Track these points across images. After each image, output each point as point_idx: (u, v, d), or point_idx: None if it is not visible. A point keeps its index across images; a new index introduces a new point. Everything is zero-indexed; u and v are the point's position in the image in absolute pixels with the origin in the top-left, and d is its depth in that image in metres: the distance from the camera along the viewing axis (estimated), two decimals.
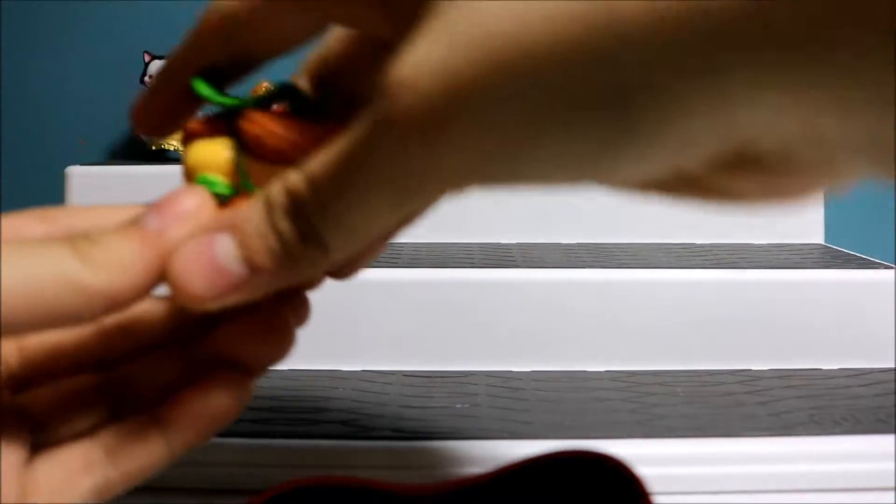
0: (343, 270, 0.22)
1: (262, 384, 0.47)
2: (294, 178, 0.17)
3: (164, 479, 0.34)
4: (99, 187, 0.63)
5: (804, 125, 0.14)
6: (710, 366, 0.45)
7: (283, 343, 0.21)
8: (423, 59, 0.15)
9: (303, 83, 0.23)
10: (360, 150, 0.16)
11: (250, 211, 0.18)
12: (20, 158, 0.79)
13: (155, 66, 0.68)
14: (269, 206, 0.17)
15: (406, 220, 0.20)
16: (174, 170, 0.71)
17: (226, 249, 0.17)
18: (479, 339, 0.45)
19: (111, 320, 0.22)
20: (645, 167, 0.16)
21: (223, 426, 0.21)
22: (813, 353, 0.45)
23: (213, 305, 0.18)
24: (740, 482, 0.34)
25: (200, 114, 0.22)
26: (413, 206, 0.17)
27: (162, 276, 0.18)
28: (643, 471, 0.25)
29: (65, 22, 0.78)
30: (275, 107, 0.22)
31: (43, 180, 0.78)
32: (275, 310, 0.21)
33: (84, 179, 0.63)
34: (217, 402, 0.20)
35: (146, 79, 0.68)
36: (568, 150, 0.15)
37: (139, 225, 0.18)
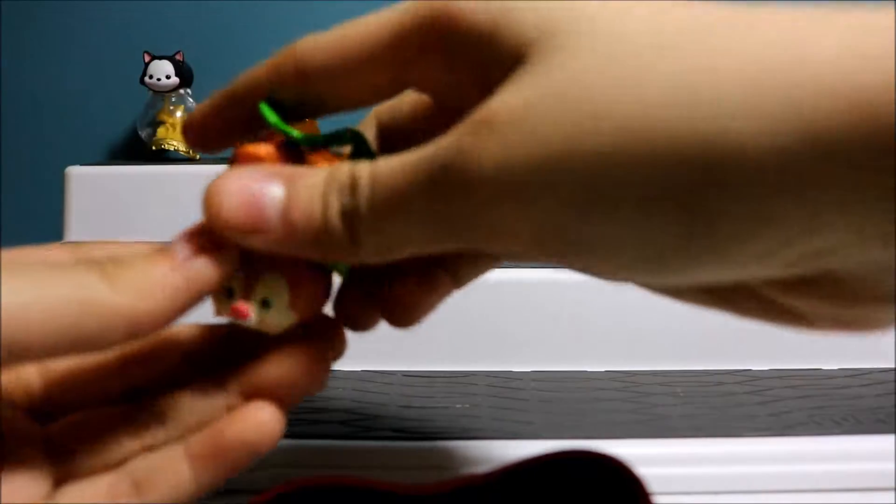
0: (405, 318, 0.23)
1: None
2: (363, 168, 0.17)
3: None
4: (99, 187, 0.63)
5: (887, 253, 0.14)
6: (710, 366, 0.45)
7: (319, 375, 0.21)
8: (518, 109, 0.15)
9: (368, 130, 0.23)
10: (423, 177, 0.16)
11: (313, 173, 0.18)
12: (20, 158, 0.79)
13: (155, 66, 0.68)
14: (331, 179, 0.18)
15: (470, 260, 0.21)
16: (174, 170, 0.72)
17: (274, 194, 0.18)
18: (479, 339, 0.45)
19: (138, 347, 0.21)
20: (717, 274, 0.16)
21: (254, 459, 0.20)
22: (813, 353, 0.45)
23: (232, 234, 0.18)
24: (740, 482, 0.34)
25: (250, 140, 0.22)
26: (458, 248, 0.17)
27: (188, 301, 0.18)
28: (643, 471, 0.25)
29: (65, 22, 0.78)
30: (343, 150, 0.22)
31: (43, 180, 0.78)
32: (313, 341, 0.21)
33: (84, 179, 0.63)
34: (248, 435, 0.20)
35: (146, 79, 0.68)
36: (634, 245, 0.15)
37: (168, 251, 0.18)
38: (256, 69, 0.22)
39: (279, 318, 0.20)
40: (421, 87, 0.21)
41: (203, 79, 0.73)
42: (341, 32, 0.20)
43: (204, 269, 0.18)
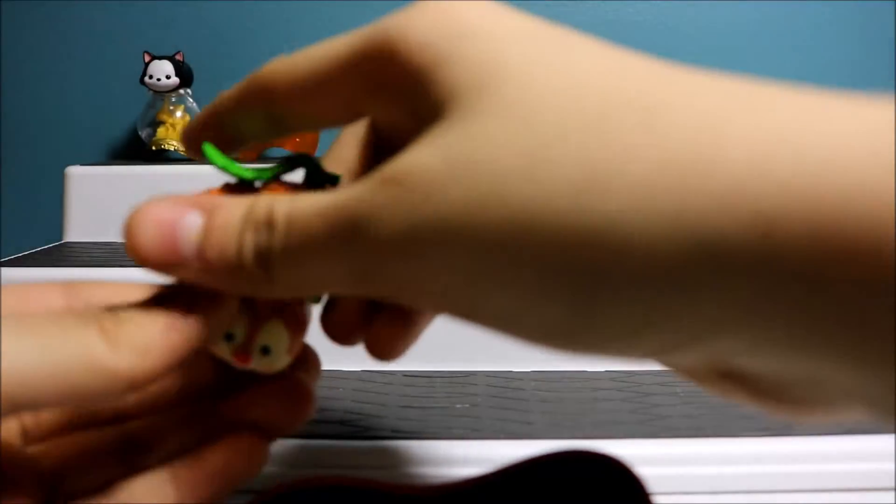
0: (385, 353, 0.22)
1: None
2: (280, 206, 0.17)
3: None
4: (99, 187, 0.63)
5: (796, 366, 0.14)
6: None
7: (302, 406, 0.21)
8: (427, 171, 0.15)
9: (350, 149, 0.22)
10: (333, 225, 0.16)
11: (232, 206, 0.18)
12: (20, 158, 0.79)
13: (155, 66, 0.68)
14: (249, 214, 0.17)
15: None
16: (174, 170, 0.71)
17: (191, 226, 0.18)
18: (479, 339, 0.45)
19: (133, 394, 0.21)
20: (624, 356, 0.15)
21: (239, 486, 0.20)
22: None
23: (155, 270, 0.18)
24: (740, 482, 0.34)
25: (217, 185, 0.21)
26: (370, 295, 0.17)
27: (186, 355, 0.18)
28: (643, 471, 0.25)
29: (65, 22, 0.78)
30: (293, 178, 0.21)
31: (43, 180, 0.78)
32: (298, 376, 0.21)
33: (84, 179, 0.63)
34: (234, 463, 0.20)
35: (146, 79, 0.68)
36: (529, 318, 0.15)
37: (166, 302, 0.18)
38: (229, 90, 0.21)
39: (278, 362, 0.20)
40: (373, 119, 0.20)
41: (203, 79, 0.73)
42: (305, 54, 0.19)
43: (202, 325, 0.18)
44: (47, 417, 0.21)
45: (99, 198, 0.63)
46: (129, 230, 0.18)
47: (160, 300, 0.18)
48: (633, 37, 0.77)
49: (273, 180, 0.20)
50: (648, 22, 0.77)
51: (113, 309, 0.18)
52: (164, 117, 0.69)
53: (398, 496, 0.24)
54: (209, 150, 0.20)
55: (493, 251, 0.14)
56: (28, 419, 0.21)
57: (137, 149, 0.76)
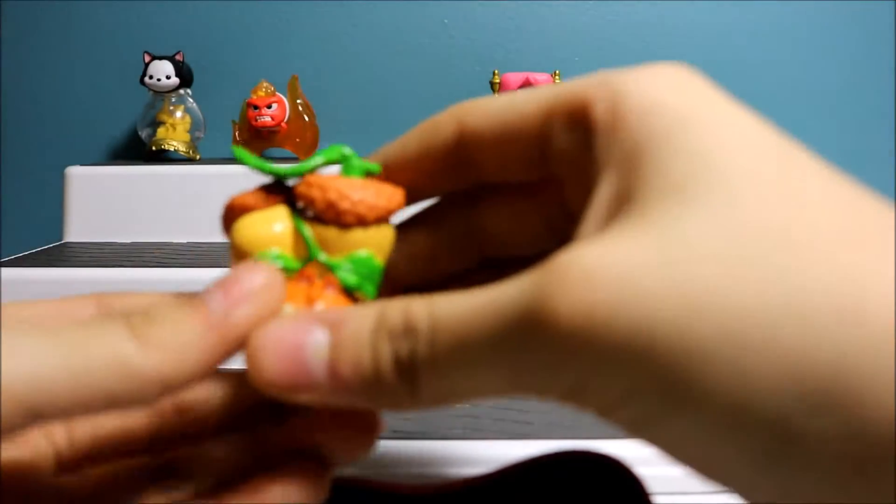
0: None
1: None
2: (418, 309, 0.15)
3: None
4: (99, 187, 0.63)
5: None
6: None
7: (369, 431, 0.19)
8: (621, 263, 0.13)
9: (408, 151, 0.20)
10: (504, 320, 0.14)
11: (358, 316, 0.16)
12: (20, 158, 0.79)
13: (155, 66, 0.68)
14: (381, 322, 0.16)
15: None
16: (174, 170, 0.71)
17: (317, 345, 0.16)
18: None
19: (168, 401, 0.19)
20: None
21: None
22: None
23: (281, 395, 0.16)
24: None
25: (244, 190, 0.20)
26: (523, 396, 0.15)
27: (223, 360, 0.16)
28: (643, 471, 0.25)
29: (65, 22, 0.78)
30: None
31: (43, 180, 0.78)
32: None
33: (84, 179, 0.63)
34: (293, 495, 0.18)
35: (146, 79, 0.68)
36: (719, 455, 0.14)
37: (201, 304, 0.16)
38: (409, 134, 0.20)
39: None
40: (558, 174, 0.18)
41: (203, 79, 0.73)
42: (505, 98, 0.18)
43: (242, 321, 0.16)
44: (82, 440, 0.19)
45: (99, 198, 0.63)
46: (251, 358, 0.16)
47: (194, 302, 0.16)
48: (634, 37, 0.77)
49: (308, 174, 0.19)
50: (648, 22, 0.77)
51: (146, 309, 0.16)
52: (164, 117, 0.69)
53: (398, 496, 0.24)
54: (239, 152, 0.19)
55: (690, 376, 0.13)
56: (62, 443, 0.19)
57: (137, 149, 0.76)
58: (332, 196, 0.18)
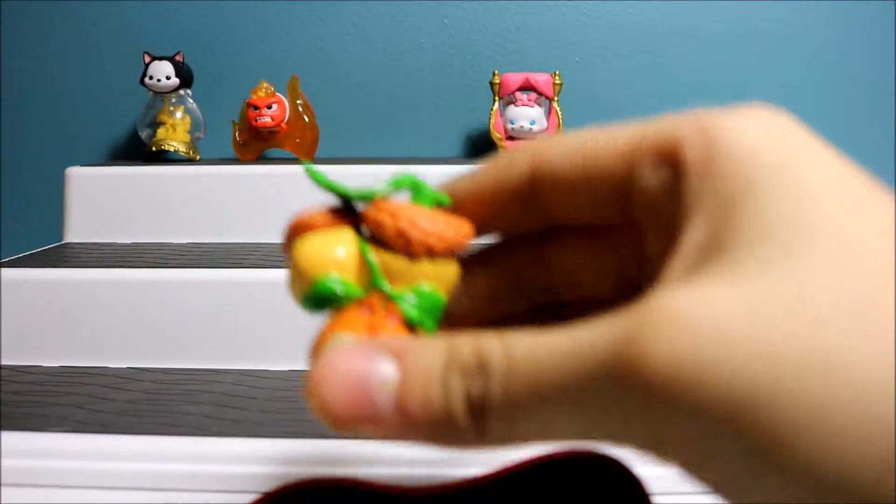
0: None
1: (261, 384, 0.47)
2: (491, 346, 0.15)
3: (164, 478, 0.34)
4: (99, 187, 0.63)
5: None
6: None
7: None
8: (718, 314, 0.13)
9: (476, 186, 0.20)
10: (585, 365, 0.13)
11: (429, 350, 0.15)
12: (20, 158, 0.79)
13: (155, 66, 0.68)
14: (452, 357, 0.15)
15: None
16: (174, 170, 0.71)
17: (384, 377, 0.15)
18: None
19: None
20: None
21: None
22: None
23: (342, 427, 0.16)
24: None
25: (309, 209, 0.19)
26: (599, 442, 0.15)
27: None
28: (643, 471, 0.25)
29: (65, 22, 0.78)
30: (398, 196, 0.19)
31: (43, 180, 0.78)
32: None
33: (84, 179, 0.63)
34: None
35: (146, 79, 0.68)
36: None
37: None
38: (481, 169, 0.19)
39: None
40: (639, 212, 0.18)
41: (203, 79, 0.73)
42: (584, 136, 0.17)
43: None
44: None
45: (99, 198, 0.63)
46: (314, 389, 0.16)
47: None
48: (634, 37, 0.77)
49: (378, 200, 0.18)
50: (648, 22, 0.77)
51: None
52: (164, 118, 0.69)
53: (398, 496, 0.24)
54: (311, 170, 0.18)
55: (789, 443, 0.12)
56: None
57: (137, 149, 0.76)
58: (403, 224, 0.18)
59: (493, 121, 0.68)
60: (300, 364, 0.47)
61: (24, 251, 0.58)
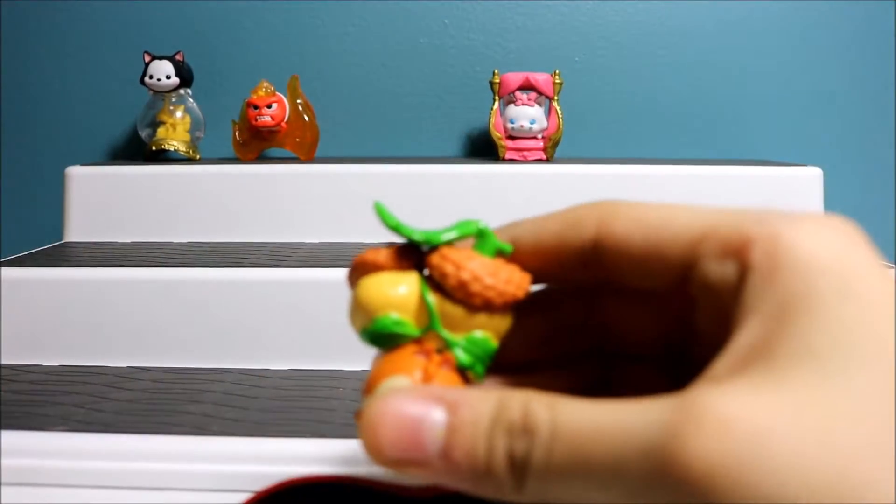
0: None
1: (261, 384, 0.47)
2: (540, 410, 0.15)
3: (164, 478, 0.34)
4: (99, 187, 0.63)
5: None
6: None
7: None
8: (762, 422, 0.13)
9: (535, 236, 0.20)
10: (626, 446, 0.14)
11: (480, 403, 0.16)
12: (20, 158, 0.79)
13: (155, 66, 0.68)
14: (500, 414, 0.16)
15: None
16: (174, 170, 0.71)
17: (435, 425, 0.16)
18: None
19: None
20: None
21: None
22: None
23: (391, 467, 0.17)
24: None
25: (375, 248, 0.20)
26: None
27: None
28: None
29: (65, 22, 0.78)
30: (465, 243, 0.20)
31: (43, 180, 0.78)
32: None
33: (84, 179, 0.63)
34: None
35: (146, 79, 0.68)
36: None
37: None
38: (546, 221, 0.20)
39: None
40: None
41: (203, 79, 0.73)
42: (656, 212, 0.18)
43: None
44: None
45: (99, 198, 0.63)
46: (369, 427, 0.17)
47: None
48: (634, 37, 0.77)
49: (443, 247, 0.19)
50: (648, 22, 0.77)
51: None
52: (164, 117, 0.69)
53: (398, 496, 0.24)
54: (381, 210, 0.19)
55: None
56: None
57: (137, 149, 0.76)
58: (466, 276, 0.18)
59: (493, 120, 0.68)
60: (300, 363, 0.46)
61: (25, 251, 0.58)
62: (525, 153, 0.67)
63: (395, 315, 0.19)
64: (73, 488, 0.34)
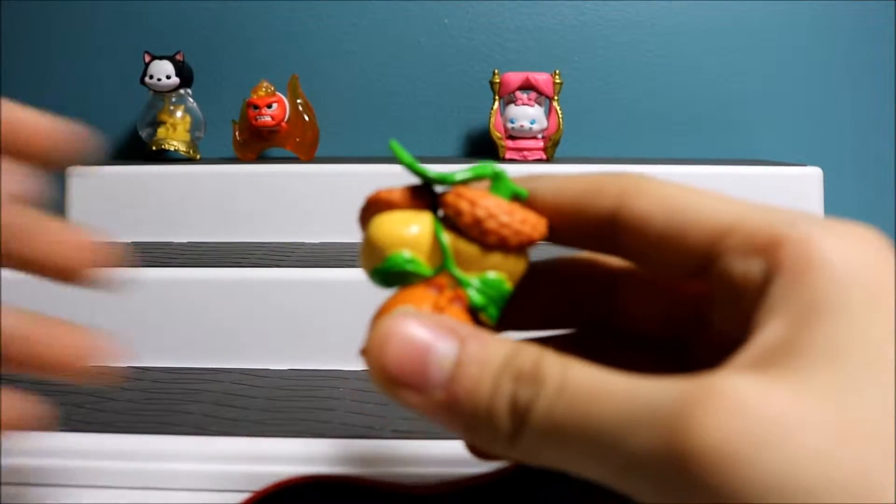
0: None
1: (261, 383, 0.47)
2: (552, 363, 0.15)
3: (164, 478, 0.34)
4: (99, 187, 0.63)
5: None
6: None
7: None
8: (781, 409, 0.13)
9: (556, 198, 0.20)
10: (635, 413, 0.14)
11: (492, 344, 0.16)
12: None
13: (155, 66, 0.68)
14: (511, 359, 0.16)
15: None
16: (174, 170, 0.71)
17: (444, 354, 0.16)
18: None
19: None
20: None
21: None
22: None
23: (386, 388, 0.16)
24: None
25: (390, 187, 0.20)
26: (619, 490, 0.15)
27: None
28: None
29: (65, 22, 0.78)
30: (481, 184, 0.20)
31: (43, 179, 0.78)
32: None
33: (84, 179, 0.63)
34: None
35: (146, 79, 0.68)
36: None
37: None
38: (568, 181, 0.19)
39: None
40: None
41: (203, 79, 0.73)
42: (682, 197, 0.18)
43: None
44: None
45: (99, 198, 0.63)
46: (376, 342, 0.16)
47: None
48: (634, 36, 0.77)
49: (458, 185, 0.19)
50: (648, 21, 0.77)
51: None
52: (164, 117, 0.69)
53: (398, 496, 0.24)
54: (396, 147, 0.19)
55: None
56: None
57: (138, 148, 0.76)
58: (481, 213, 0.18)
59: (493, 120, 0.68)
60: (300, 363, 0.46)
61: None
62: (525, 153, 0.67)
63: (407, 252, 0.18)
64: (72, 488, 0.34)
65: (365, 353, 0.16)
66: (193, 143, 0.70)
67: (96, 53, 0.78)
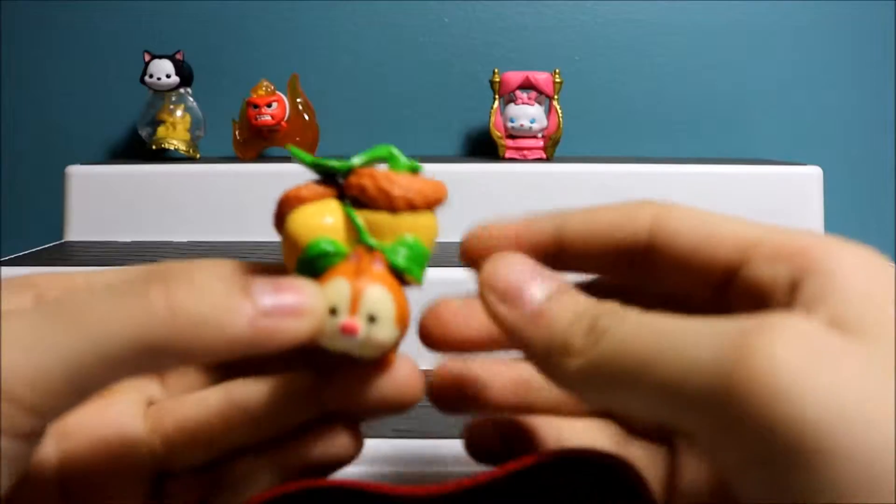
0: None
1: None
2: (632, 310, 0.17)
3: None
4: (99, 187, 0.63)
5: None
6: None
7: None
8: (839, 353, 0.14)
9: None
10: (691, 349, 0.15)
11: (577, 292, 0.18)
12: (20, 158, 0.79)
13: (155, 65, 0.68)
14: (595, 301, 0.17)
15: None
16: (174, 169, 0.71)
17: (543, 290, 0.18)
18: None
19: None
20: None
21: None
22: None
23: (491, 299, 0.18)
24: None
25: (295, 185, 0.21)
26: (669, 426, 0.16)
27: (241, 351, 0.17)
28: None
29: (65, 22, 0.78)
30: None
31: (43, 180, 0.78)
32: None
33: (84, 179, 0.63)
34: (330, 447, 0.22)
35: (146, 78, 0.68)
36: None
37: (250, 292, 0.18)
38: (598, 212, 0.20)
39: (386, 332, 0.19)
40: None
41: (203, 78, 0.73)
42: (703, 219, 0.19)
43: (273, 332, 0.18)
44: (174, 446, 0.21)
45: (99, 197, 0.63)
46: (487, 268, 0.19)
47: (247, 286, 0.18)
48: (634, 36, 0.77)
49: (358, 168, 0.21)
50: (648, 21, 0.77)
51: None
52: (164, 116, 0.69)
53: (397, 496, 0.24)
54: (295, 150, 0.21)
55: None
56: (159, 449, 0.21)
57: (137, 148, 0.76)
58: (384, 183, 0.20)
59: (493, 119, 0.68)
60: None
61: (25, 250, 0.58)
62: (525, 152, 0.67)
63: (325, 238, 0.19)
64: None
65: (483, 266, 0.19)
66: (193, 142, 0.70)
67: (96, 53, 0.78)
